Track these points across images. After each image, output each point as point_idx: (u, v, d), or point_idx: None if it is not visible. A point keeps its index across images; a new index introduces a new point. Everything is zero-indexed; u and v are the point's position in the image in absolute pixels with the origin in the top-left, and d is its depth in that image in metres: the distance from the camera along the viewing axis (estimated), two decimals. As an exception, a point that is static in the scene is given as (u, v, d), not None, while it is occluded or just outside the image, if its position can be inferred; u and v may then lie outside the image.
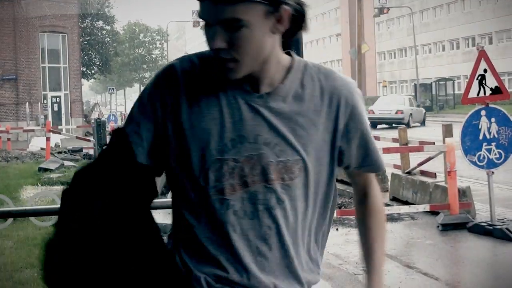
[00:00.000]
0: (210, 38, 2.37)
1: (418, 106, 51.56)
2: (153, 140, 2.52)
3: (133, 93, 76.54)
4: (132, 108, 2.59)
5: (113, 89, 77.06)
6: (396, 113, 47.07)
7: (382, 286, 2.73)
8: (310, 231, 2.59)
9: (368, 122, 2.68)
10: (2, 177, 22.36)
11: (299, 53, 3.36)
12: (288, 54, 2.59)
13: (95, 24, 63.68)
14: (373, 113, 45.74)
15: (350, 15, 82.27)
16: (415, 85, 65.06)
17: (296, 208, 2.52)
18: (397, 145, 16.35)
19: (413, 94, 63.08)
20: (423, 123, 47.79)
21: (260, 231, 2.46)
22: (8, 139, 35.47)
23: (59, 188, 18.25)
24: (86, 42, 62.41)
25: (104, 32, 64.74)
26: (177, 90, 2.50)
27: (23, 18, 50.19)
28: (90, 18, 62.49)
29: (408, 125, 41.93)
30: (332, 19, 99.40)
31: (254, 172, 2.45)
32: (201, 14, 2.39)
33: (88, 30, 62.33)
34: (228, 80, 2.43)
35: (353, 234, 12.69)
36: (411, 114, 47.55)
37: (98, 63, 63.26)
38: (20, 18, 50.30)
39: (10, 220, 12.49)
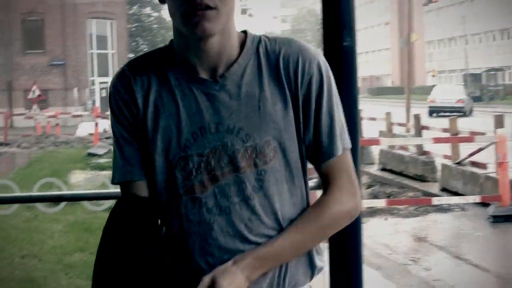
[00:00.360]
0: None
1: (468, 96, 50.86)
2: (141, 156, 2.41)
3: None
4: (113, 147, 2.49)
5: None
6: (457, 102, 46.83)
7: (254, 261, 2.33)
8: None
9: (332, 96, 2.42)
10: (51, 161, 22.78)
11: (353, 40, 3.21)
12: (243, 32, 2.44)
13: (143, 11, 64.03)
14: (434, 102, 45.50)
15: (399, 3, 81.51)
16: (464, 75, 64.20)
17: (281, 193, 2.35)
18: (447, 135, 16.25)
19: (463, 84, 62.08)
20: (470, 113, 47.21)
21: (240, 226, 2.30)
22: (57, 124, 36.18)
23: (108, 173, 18.48)
24: (134, 29, 62.85)
25: (151, 18, 65.18)
26: (132, 92, 2.38)
27: (71, 4, 50.75)
28: (138, 5, 62.88)
29: (467, 114, 41.76)
30: (381, 7, 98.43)
31: (221, 163, 2.29)
32: None
33: (135, 16, 62.85)
34: (204, 37, 2.25)
35: (402, 224, 12.85)
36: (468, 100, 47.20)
37: (145, 49, 63.48)
38: (68, 4, 50.87)
39: (63, 204, 12.70)
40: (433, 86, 59.77)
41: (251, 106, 2.32)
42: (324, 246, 2.66)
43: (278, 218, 2.33)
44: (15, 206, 12.47)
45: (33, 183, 14.85)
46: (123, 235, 2.36)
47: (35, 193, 11.50)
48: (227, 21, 2.26)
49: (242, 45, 2.38)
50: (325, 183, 2.44)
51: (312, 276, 2.48)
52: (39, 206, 13.13)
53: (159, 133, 2.32)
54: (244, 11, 73.99)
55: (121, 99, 2.37)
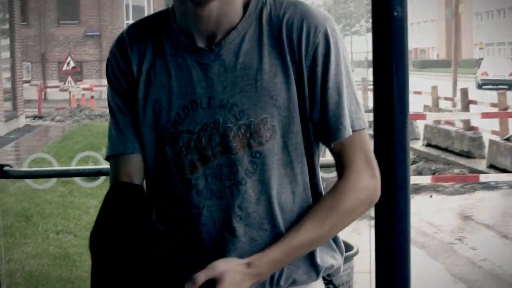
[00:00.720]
0: None
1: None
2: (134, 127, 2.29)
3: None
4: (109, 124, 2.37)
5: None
6: (510, 75, 47.03)
7: (267, 264, 2.21)
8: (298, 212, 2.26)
9: (341, 70, 2.24)
10: (86, 135, 23.08)
11: (404, 11, 3.11)
12: None
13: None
14: (487, 75, 45.86)
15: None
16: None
17: (278, 179, 2.21)
18: (495, 110, 16.12)
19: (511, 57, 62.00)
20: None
21: (230, 213, 2.18)
22: (92, 97, 36.74)
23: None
24: (170, -1, 63.54)
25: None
26: (128, 60, 2.28)
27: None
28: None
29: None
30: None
31: (213, 142, 2.16)
32: None
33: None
34: (199, 2, 2.12)
35: (448, 201, 12.86)
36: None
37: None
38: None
39: (102, 179, 12.70)
40: (480, 59, 59.73)
41: (248, 79, 2.17)
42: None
43: (273, 207, 2.18)
44: (53, 181, 12.47)
45: (69, 157, 15.02)
46: (115, 223, 2.22)
47: (73, 167, 11.57)
48: None
49: (246, 4, 2.22)
50: (340, 167, 2.26)
51: (317, 275, 2.32)
52: (77, 180, 13.18)
53: (149, 105, 2.21)
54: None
55: (117, 66, 2.26)
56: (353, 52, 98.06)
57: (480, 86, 45.46)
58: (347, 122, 2.19)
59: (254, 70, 2.15)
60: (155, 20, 2.30)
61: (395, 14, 3.04)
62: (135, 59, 2.23)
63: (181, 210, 2.19)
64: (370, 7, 3.08)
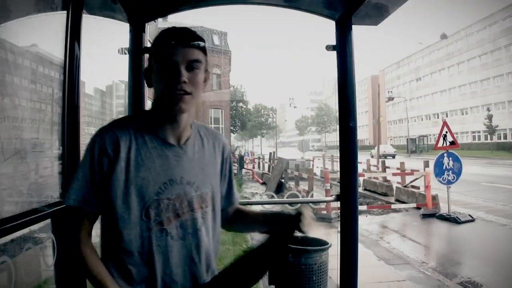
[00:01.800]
0: (173, 75, 1.81)
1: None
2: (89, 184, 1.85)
3: (256, 141, 78.21)
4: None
5: (246, 139, 78.57)
6: (394, 152, 49.13)
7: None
8: (216, 244, 2.02)
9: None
10: None
11: (355, 122, 3.04)
12: None
13: (237, 104, 64.81)
14: (385, 151, 46.80)
15: (373, 100, 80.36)
16: (407, 139, 62.85)
17: (211, 228, 1.97)
18: (398, 171, 16.14)
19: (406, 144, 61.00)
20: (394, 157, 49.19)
21: (191, 248, 1.89)
22: None
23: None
24: (232, 113, 63.51)
25: (242, 108, 65.89)
26: (118, 149, 1.83)
27: (202, 101, 50.63)
28: (235, 101, 63.55)
29: (394, 157, 45.74)
30: (364, 103, 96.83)
31: (183, 205, 1.89)
32: (166, 55, 1.81)
33: (234, 107, 63.43)
34: (179, 113, 1.87)
35: (375, 218, 12.64)
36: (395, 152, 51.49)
37: (239, 125, 64.30)
38: (201, 101, 50.90)
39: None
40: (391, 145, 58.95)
41: (199, 168, 1.96)
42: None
43: (210, 243, 1.95)
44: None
45: None
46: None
47: None
48: (196, 104, 1.91)
49: (191, 124, 2.03)
50: (227, 219, 2.15)
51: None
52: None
53: (137, 181, 1.84)
54: (291, 105, 74.41)
55: (103, 149, 1.83)
56: (327, 141, 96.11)
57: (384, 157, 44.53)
58: (237, 195, 2.17)
59: (202, 164, 1.97)
60: (136, 120, 1.94)
61: (351, 124, 3.02)
62: (124, 148, 1.85)
63: (158, 249, 1.85)
64: (337, 118, 3.07)
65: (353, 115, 3.01)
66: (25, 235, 1.98)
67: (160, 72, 1.83)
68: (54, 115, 2.23)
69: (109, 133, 1.86)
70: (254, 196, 17.30)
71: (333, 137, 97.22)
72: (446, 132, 12.41)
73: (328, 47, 2.96)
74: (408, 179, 16.05)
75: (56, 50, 2.25)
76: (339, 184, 3.07)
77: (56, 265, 2.08)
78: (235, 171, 29.85)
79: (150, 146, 1.89)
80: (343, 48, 2.97)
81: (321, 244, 4.14)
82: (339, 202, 3.10)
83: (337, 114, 3.05)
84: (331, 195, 2.95)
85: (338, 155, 2.97)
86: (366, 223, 11.84)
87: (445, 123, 12.64)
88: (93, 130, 1.79)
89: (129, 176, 1.84)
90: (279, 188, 18.45)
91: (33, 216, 1.91)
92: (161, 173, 1.87)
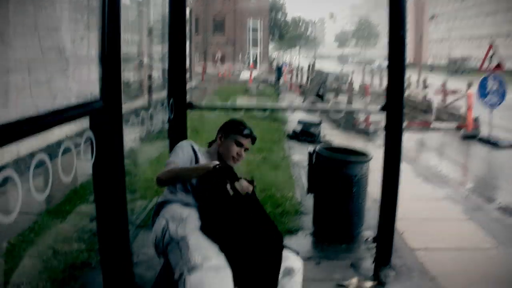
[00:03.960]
0: (238, 150, 2.70)
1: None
2: None
3: (294, 52, 76.90)
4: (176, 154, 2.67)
5: (284, 49, 77.32)
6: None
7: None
8: None
9: None
10: (228, 91, 22.47)
11: (404, 32, 3.00)
12: None
13: (276, 15, 63.40)
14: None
15: (416, 17, 76.57)
16: (448, 59, 60.37)
17: None
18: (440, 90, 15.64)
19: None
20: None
21: None
22: (229, 72, 39.48)
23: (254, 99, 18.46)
24: (271, 24, 62.26)
25: (281, 20, 64.55)
26: (196, 154, 2.66)
27: (239, 10, 50.80)
28: (273, 12, 62.17)
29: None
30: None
31: None
32: (241, 140, 2.71)
33: (272, 18, 62.13)
34: (228, 164, 2.53)
35: (415, 135, 12.39)
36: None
37: (277, 35, 63.22)
38: (238, 10, 51.00)
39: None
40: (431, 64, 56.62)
41: None
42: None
43: None
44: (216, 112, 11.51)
45: (223, 99, 14.78)
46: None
47: (229, 104, 10.61)
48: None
49: None
50: None
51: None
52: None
53: None
54: (331, 15, 72.50)
55: (189, 150, 2.67)
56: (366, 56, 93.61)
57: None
58: None
59: None
60: (204, 151, 2.78)
61: (401, 33, 2.98)
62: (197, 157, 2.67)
63: None
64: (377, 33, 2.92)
65: (403, 24, 2.94)
66: (61, 140, 1.94)
67: (233, 146, 2.71)
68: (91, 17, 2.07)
69: (192, 145, 2.65)
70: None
71: (372, 53, 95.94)
72: (493, 54, 12.13)
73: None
74: (450, 99, 15.75)
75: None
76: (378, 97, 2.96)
77: (94, 165, 2.00)
78: (273, 82, 29.82)
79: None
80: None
81: (363, 155, 4.02)
82: (382, 115, 3.09)
83: (378, 28, 2.97)
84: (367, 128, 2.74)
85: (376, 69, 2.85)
86: (405, 139, 11.59)
87: (491, 46, 12.37)
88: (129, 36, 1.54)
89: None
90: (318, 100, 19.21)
91: (72, 113, 1.79)
92: None
